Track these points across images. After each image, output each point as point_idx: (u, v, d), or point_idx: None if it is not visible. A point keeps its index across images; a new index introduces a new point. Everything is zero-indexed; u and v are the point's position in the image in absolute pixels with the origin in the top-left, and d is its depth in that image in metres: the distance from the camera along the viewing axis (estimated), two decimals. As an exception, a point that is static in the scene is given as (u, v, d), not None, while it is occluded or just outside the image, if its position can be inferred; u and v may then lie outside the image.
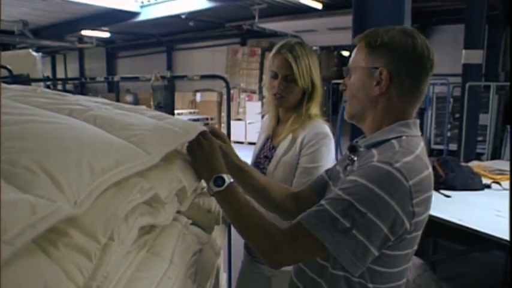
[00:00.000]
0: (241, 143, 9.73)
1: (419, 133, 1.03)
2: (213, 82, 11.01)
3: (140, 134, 0.84)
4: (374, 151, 0.95)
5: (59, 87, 11.91)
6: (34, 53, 4.50)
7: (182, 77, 3.27)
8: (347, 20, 3.71)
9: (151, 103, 2.78)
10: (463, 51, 5.57)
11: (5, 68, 3.46)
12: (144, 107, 1.17)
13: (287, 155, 1.49)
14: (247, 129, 10.05)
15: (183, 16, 8.75)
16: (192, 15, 9.01)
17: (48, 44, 10.99)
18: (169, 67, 13.50)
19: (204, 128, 1.05)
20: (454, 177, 2.61)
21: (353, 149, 1.06)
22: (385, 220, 0.86)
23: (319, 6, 7.85)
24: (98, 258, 0.62)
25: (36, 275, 0.51)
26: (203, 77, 3.01)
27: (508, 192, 2.53)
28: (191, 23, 9.90)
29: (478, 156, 5.63)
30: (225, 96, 9.83)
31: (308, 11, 8.18)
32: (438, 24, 8.98)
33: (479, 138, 5.83)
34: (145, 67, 13.21)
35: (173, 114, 2.85)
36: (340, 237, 0.87)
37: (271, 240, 0.93)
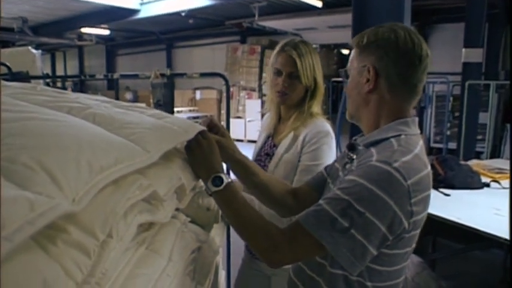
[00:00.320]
0: (241, 140, 9.74)
1: (419, 131, 1.03)
2: (213, 80, 11.03)
3: (139, 132, 0.84)
4: (373, 150, 0.95)
5: (58, 84, 11.91)
6: (33, 50, 4.50)
7: (182, 75, 3.26)
8: (347, 18, 3.70)
9: (151, 100, 2.78)
10: (463, 49, 5.57)
11: (5, 65, 3.46)
12: (143, 104, 1.17)
13: (288, 152, 1.49)
14: (247, 127, 10.07)
15: (182, 14, 8.76)
16: (192, 13, 9.01)
17: (48, 41, 10.99)
18: (169, 65, 13.51)
19: (204, 128, 1.05)
20: (454, 175, 2.62)
21: (352, 148, 1.06)
22: (384, 220, 0.86)
23: (319, 4, 7.84)
24: (97, 255, 0.62)
25: (34, 271, 0.51)
26: (203, 74, 3.01)
27: (507, 191, 2.53)
28: (191, 21, 9.90)
29: (478, 155, 5.64)
30: (224, 94, 9.82)
31: (308, 8, 8.17)
32: (438, 23, 8.98)
33: (479, 137, 5.83)
34: (145, 65, 13.23)
35: (173, 111, 2.85)
36: (339, 237, 0.87)
37: (270, 240, 0.93)
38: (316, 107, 1.54)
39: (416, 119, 1.03)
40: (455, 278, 3.16)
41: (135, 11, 8.83)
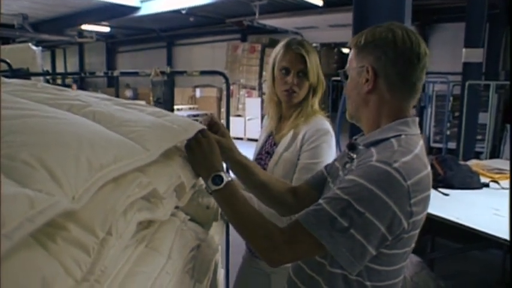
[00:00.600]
0: (241, 139, 9.73)
1: (419, 131, 1.03)
2: (213, 78, 11.02)
3: (139, 130, 0.84)
4: (373, 150, 0.95)
5: (59, 81, 11.90)
6: (34, 47, 4.50)
7: (182, 73, 3.26)
8: (348, 16, 3.70)
9: (151, 98, 2.78)
10: (463, 49, 5.57)
11: (5, 62, 3.46)
12: (143, 102, 1.17)
13: (288, 151, 1.49)
14: (247, 125, 10.06)
15: (183, 11, 8.74)
16: (193, 11, 8.99)
17: (48, 38, 10.96)
18: (169, 62, 13.50)
19: (203, 126, 1.05)
20: (453, 175, 2.62)
21: (352, 147, 1.06)
22: (383, 220, 0.86)
23: (319, 2, 7.83)
24: (96, 252, 0.62)
25: (34, 269, 0.51)
26: (203, 72, 3.01)
27: (506, 191, 2.53)
28: (191, 19, 9.89)
29: (477, 155, 5.64)
30: (224, 92, 9.81)
31: (309, 7, 8.16)
32: (439, 22, 8.98)
33: (479, 137, 5.84)
34: (145, 62, 13.22)
35: (172, 109, 2.85)
36: (338, 236, 0.87)
37: (270, 239, 0.93)
38: (316, 104, 1.54)
39: (417, 118, 1.03)
40: (453, 277, 3.16)
41: (135, 8, 8.81)
